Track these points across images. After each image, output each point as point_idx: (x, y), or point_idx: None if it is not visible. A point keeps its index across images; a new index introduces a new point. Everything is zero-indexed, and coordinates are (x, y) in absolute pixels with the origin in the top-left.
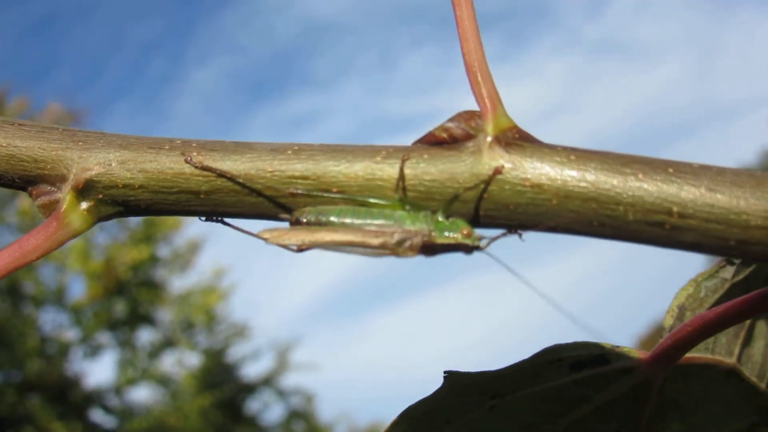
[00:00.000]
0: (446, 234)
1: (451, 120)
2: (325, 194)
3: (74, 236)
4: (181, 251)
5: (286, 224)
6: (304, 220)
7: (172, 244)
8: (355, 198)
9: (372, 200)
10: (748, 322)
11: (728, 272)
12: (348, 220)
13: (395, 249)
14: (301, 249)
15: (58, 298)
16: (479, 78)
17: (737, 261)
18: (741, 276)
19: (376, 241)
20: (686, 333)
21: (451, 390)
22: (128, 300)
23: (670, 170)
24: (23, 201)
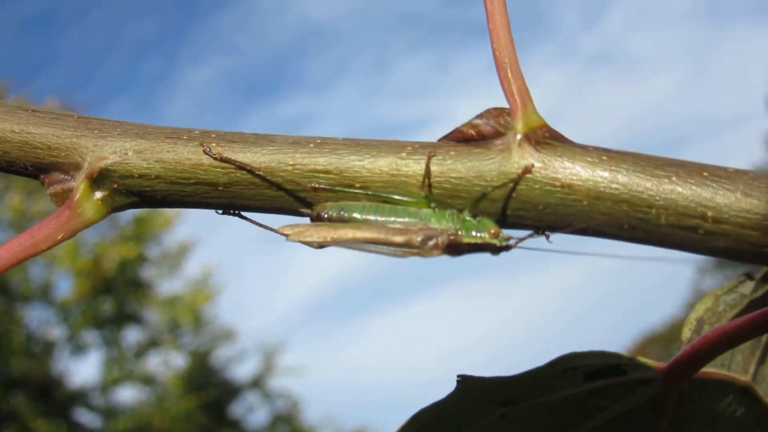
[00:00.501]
0: (473, 233)
1: (479, 116)
2: (349, 190)
3: (87, 226)
4: (170, 252)
5: (306, 220)
6: (326, 216)
7: (161, 244)
8: (378, 194)
9: (396, 197)
10: (764, 340)
11: (747, 288)
12: (371, 217)
13: (420, 248)
14: (322, 246)
15: (45, 295)
16: (509, 74)
17: (758, 276)
18: (760, 293)
19: (400, 239)
20: (704, 345)
21: (464, 395)
22: (115, 299)
23: (705, 174)
24: (13, 197)
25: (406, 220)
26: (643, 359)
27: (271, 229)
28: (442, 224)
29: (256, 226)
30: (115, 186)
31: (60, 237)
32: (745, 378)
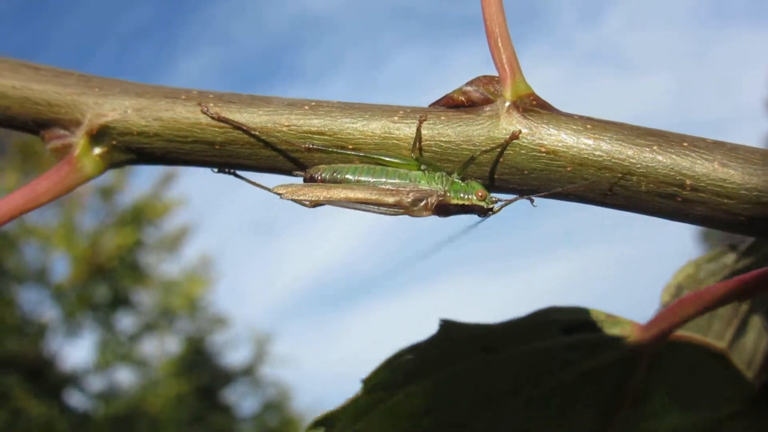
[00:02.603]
0: (461, 195)
1: (469, 84)
2: (342, 151)
3: (86, 181)
4: (168, 237)
5: (300, 180)
6: (319, 177)
7: (160, 229)
8: (371, 156)
9: (388, 159)
10: (743, 311)
11: (730, 258)
12: (363, 178)
13: (410, 208)
14: (314, 205)
15: (40, 277)
16: (499, 44)
17: (741, 248)
18: (741, 264)
19: (391, 200)
20: (680, 308)
21: (445, 339)
22: (111, 283)
23: (685, 144)
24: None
25: (397, 181)
26: (620, 318)
27: (265, 188)
28: (432, 186)
29: (250, 185)
30: (114, 143)
31: (59, 190)
32: (720, 344)
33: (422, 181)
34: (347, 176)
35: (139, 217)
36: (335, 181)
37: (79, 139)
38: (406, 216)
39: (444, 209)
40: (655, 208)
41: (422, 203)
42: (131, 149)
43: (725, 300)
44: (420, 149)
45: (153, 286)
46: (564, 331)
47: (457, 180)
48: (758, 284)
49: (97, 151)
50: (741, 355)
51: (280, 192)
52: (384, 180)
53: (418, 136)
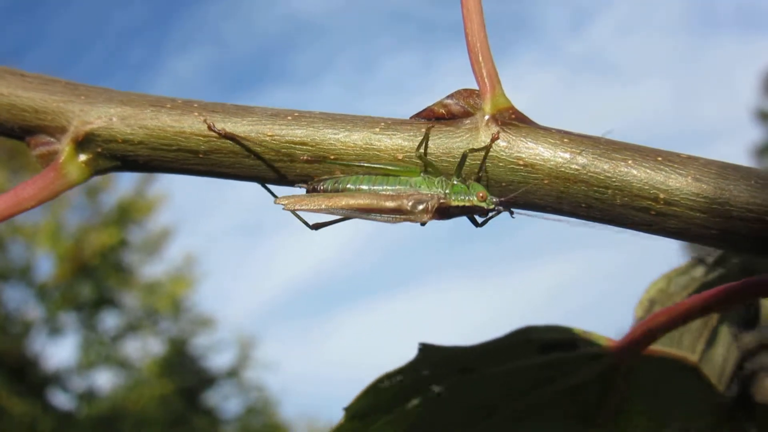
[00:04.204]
0: (462, 197)
1: (450, 96)
2: (342, 162)
3: (70, 187)
4: (152, 237)
5: (303, 191)
6: (321, 188)
7: (144, 228)
8: (372, 166)
9: (389, 167)
10: (712, 324)
11: (699, 271)
12: (364, 187)
13: (411, 212)
14: (317, 227)
15: (24, 275)
16: (480, 57)
17: (710, 261)
18: (711, 276)
19: (391, 205)
20: (653, 324)
21: (424, 362)
22: (95, 283)
23: (659, 158)
24: None
25: (398, 187)
26: (595, 335)
27: (272, 194)
28: (432, 190)
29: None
30: (99, 150)
31: (44, 196)
32: (692, 357)
33: (423, 186)
34: (348, 186)
35: (123, 216)
36: (337, 191)
37: (64, 146)
38: (408, 222)
39: (445, 212)
40: (629, 222)
41: (423, 206)
42: (116, 157)
43: (696, 314)
44: (425, 154)
45: (137, 286)
46: (541, 349)
47: (457, 182)
48: (727, 299)
49: (83, 158)
50: (712, 367)
51: (283, 203)
52: (385, 187)
53: (425, 144)
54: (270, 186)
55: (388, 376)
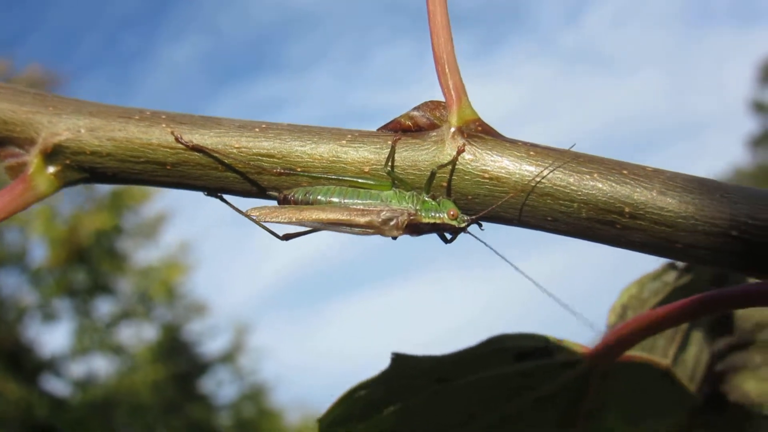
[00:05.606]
0: (432, 214)
1: (416, 108)
2: (314, 175)
3: (40, 199)
4: (147, 223)
5: (274, 203)
6: (292, 199)
7: (138, 215)
8: (343, 178)
9: (360, 180)
10: (684, 327)
11: (671, 276)
12: (335, 199)
13: (381, 227)
14: (287, 238)
15: (19, 261)
16: (446, 69)
17: (681, 266)
18: (682, 281)
19: (362, 220)
20: (626, 332)
21: (397, 372)
22: (90, 269)
23: (625, 172)
24: None
25: (369, 201)
26: (569, 342)
27: (239, 212)
28: (403, 205)
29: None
30: (68, 162)
31: (13, 208)
32: (665, 361)
33: (393, 201)
34: (319, 197)
35: (117, 201)
36: (308, 203)
37: (33, 158)
38: (378, 236)
39: (415, 228)
40: (595, 235)
41: (393, 222)
42: (84, 168)
43: (669, 323)
44: (392, 169)
45: (131, 273)
46: (516, 357)
47: (428, 199)
48: (699, 308)
49: (51, 170)
50: (684, 369)
51: (254, 215)
52: (355, 201)
53: (392, 156)
54: (238, 197)
55: (362, 387)
